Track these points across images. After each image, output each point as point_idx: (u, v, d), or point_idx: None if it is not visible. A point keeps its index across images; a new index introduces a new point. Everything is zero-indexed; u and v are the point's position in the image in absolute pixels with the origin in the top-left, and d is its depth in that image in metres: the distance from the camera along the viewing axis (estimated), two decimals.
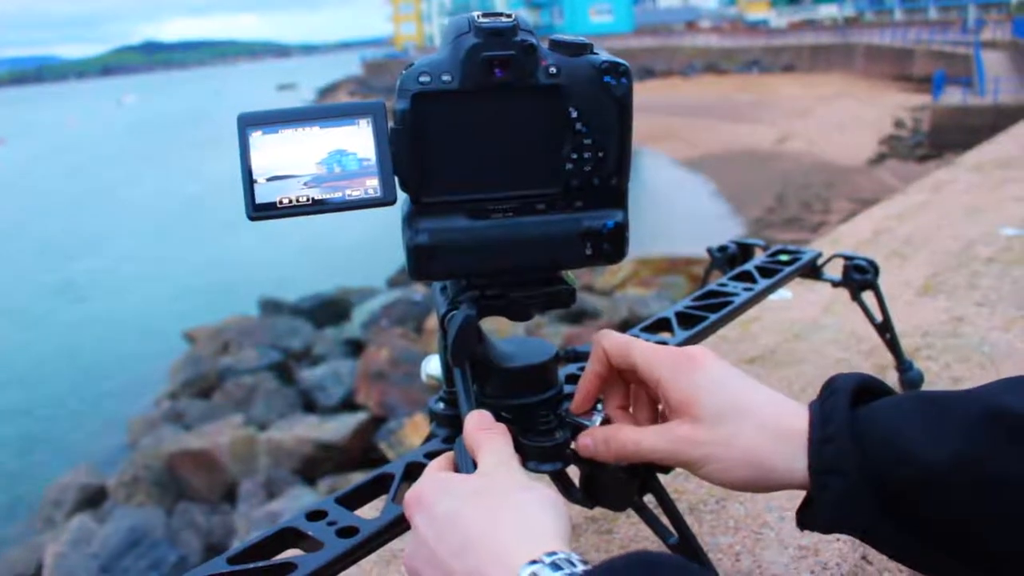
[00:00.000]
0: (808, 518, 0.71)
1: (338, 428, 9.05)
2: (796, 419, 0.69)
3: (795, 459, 0.68)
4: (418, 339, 10.89)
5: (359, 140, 0.74)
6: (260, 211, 0.73)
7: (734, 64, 46.45)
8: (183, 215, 25.25)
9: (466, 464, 0.70)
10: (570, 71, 0.77)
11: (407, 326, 11.58)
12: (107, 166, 38.39)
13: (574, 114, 0.78)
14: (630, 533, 1.10)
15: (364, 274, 15.61)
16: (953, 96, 21.61)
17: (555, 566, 0.54)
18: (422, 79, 0.74)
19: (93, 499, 8.92)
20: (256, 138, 0.73)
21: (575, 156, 0.79)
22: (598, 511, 1.10)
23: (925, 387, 1.50)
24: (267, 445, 8.94)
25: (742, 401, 0.71)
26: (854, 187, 18.29)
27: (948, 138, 18.92)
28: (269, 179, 0.73)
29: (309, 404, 10.17)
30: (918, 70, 30.61)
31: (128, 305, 16.74)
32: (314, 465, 8.75)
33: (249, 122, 0.73)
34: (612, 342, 0.79)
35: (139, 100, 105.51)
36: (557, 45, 0.77)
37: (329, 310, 13.38)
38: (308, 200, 0.73)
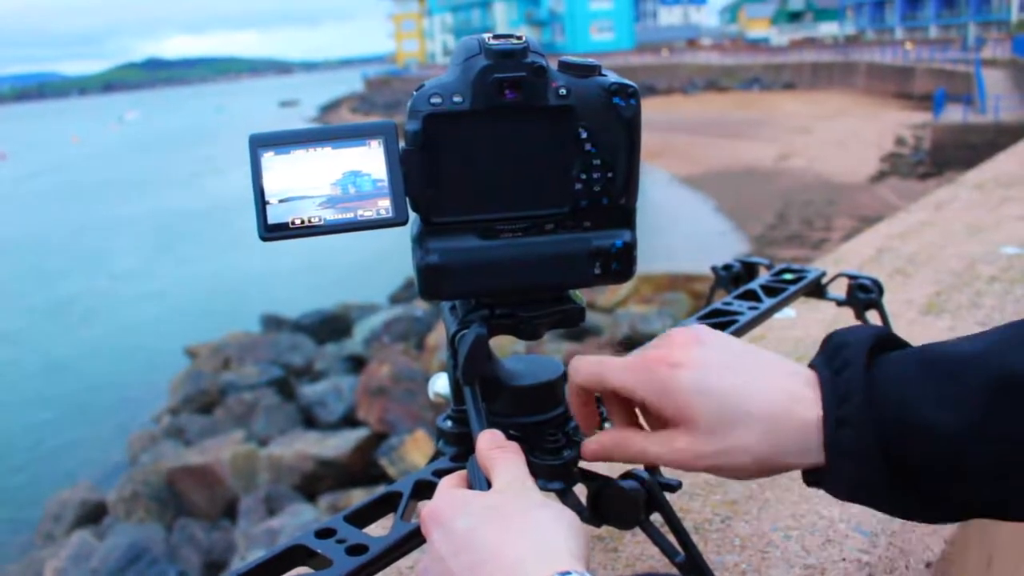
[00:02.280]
0: (817, 482, 0.69)
1: (339, 444, 9.04)
2: (802, 407, 0.67)
3: (807, 444, 0.67)
4: (419, 356, 10.89)
5: (371, 161, 0.74)
6: (273, 232, 0.72)
7: (735, 81, 46.61)
8: (185, 232, 25.28)
9: (479, 482, 0.70)
10: (580, 92, 0.77)
11: (408, 342, 11.58)
12: (108, 183, 38.46)
13: (584, 135, 0.78)
14: (636, 551, 1.10)
15: (365, 290, 15.62)
16: (954, 114, 21.68)
17: None
18: (433, 100, 0.74)
19: (93, 515, 8.90)
20: (268, 159, 0.73)
21: (584, 176, 0.79)
22: (604, 529, 1.10)
23: None
24: (267, 461, 8.93)
25: (737, 404, 0.68)
26: (855, 204, 18.33)
27: (949, 156, 18.97)
28: (281, 200, 0.72)
29: (310, 420, 10.17)
30: (919, 88, 30.71)
31: (129, 321, 16.76)
32: (314, 481, 8.74)
33: (260, 143, 0.73)
34: (585, 374, 0.77)
35: (141, 116, 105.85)
36: (566, 66, 0.78)
37: (330, 326, 13.38)
38: (320, 221, 0.73)
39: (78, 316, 17.52)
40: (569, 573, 0.55)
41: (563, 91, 0.77)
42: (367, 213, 0.74)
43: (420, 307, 13.20)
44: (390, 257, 16.73)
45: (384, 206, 0.74)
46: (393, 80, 75.57)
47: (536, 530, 0.61)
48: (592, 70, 0.78)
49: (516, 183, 0.79)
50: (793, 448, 0.67)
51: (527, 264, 0.80)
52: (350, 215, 0.73)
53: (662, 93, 46.15)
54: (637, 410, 0.78)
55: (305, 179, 0.73)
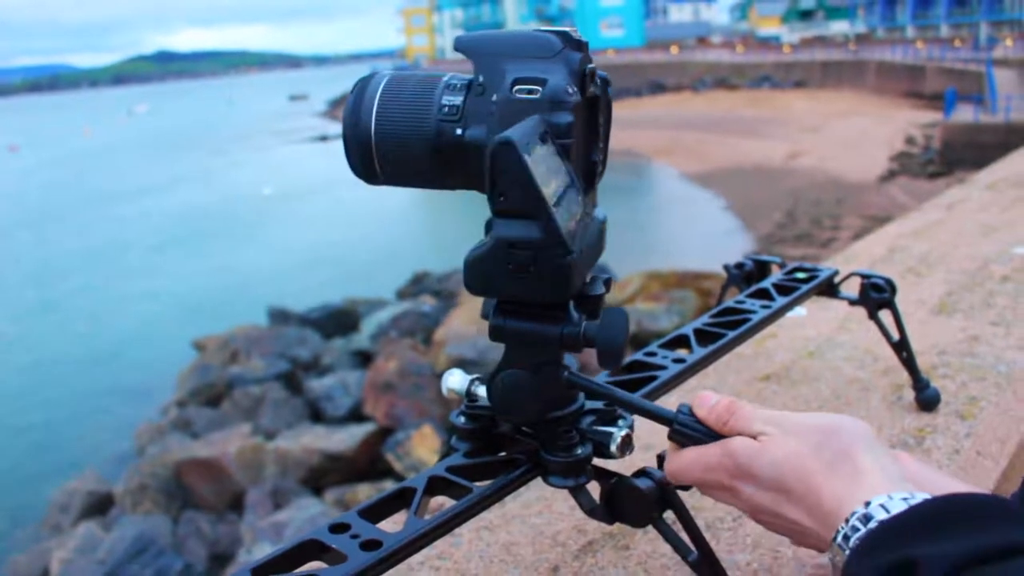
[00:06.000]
0: None
1: (345, 439, 9.05)
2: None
3: None
4: (427, 351, 10.88)
5: (554, 156, 0.73)
6: (571, 243, 0.70)
7: (745, 79, 46.46)
8: (194, 225, 25.31)
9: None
10: (600, 83, 0.81)
11: (416, 337, 11.58)
12: (118, 176, 38.55)
13: (601, 120, 0.82)
14: (648, 549, 1.10)
15: (373, 285, 15.63)
16: (965, 113, 21.57)
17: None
18: (571, 90, 0.75)
19: (100, 506, 8.93)
20: (528, 162, 0.69)
21: (598, 159, 0.83)
22: (616, 526, 1.10)
23: (942, 406, 1.50)
24: (274, 455, 8.94)
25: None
26: (864, 204, 18.27)
27: (959, 155, 18.89)
28: (553, 205, 0.70)
29: (317, 414, 10.18)
30: (930, 87, 30.58)
31: (137, 314, 16.79)
32: (321, 475, 8.75)
33: (521, 142, 0.68)
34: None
35: (151, 109, 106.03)
36: None
37: (338, 320, 13.38)
38: (574, 226, 0.71)
39: (87, 309, 17.56)
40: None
41: (599, 80, 0.80)
42: (585, 211, 0.74)
43: (427, 302, 13.21)
44: (397, 252, 16.76)
45: (579, 200, 0.75)
46: None
47: (840, 463, 0.66)
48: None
49: (576, 171, 0.81)
50: None
51: (593, 247, 0.82)
52: (579, 217, 0.73)
53: (672, 90, 46.07)
54: None
55: (551, 182, 0.71)
